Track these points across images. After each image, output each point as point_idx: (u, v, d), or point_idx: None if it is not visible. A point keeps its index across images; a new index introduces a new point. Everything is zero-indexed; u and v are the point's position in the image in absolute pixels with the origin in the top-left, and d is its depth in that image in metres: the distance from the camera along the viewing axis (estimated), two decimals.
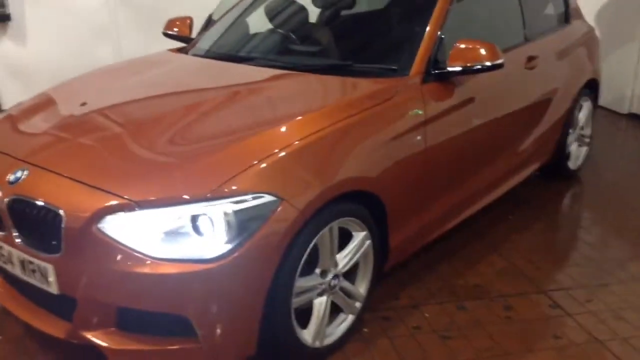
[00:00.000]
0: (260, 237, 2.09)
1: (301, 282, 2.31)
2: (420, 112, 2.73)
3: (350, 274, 2.61)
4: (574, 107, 4.24)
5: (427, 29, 2.97)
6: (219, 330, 2.12)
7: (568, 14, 4.32)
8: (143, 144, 2.34)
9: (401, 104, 2.69)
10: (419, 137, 2.72)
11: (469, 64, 2.85)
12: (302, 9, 3.66)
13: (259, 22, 3.60)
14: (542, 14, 4.05)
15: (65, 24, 6.16)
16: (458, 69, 2.86)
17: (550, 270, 3.23)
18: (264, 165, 2.16)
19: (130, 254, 2.04)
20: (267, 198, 2.11)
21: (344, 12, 3.64)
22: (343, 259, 2.50)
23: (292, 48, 3.31)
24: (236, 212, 2.06)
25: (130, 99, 2.83)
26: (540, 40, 3.83)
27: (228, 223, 2.06)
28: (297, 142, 2.27)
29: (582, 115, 4.46)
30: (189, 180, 2.11)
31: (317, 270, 2.40)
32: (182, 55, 3.45)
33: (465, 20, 3.34)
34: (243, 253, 2.07)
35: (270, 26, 3.56)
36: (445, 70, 2.88)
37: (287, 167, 2.21)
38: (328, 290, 2.45)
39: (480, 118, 3.15)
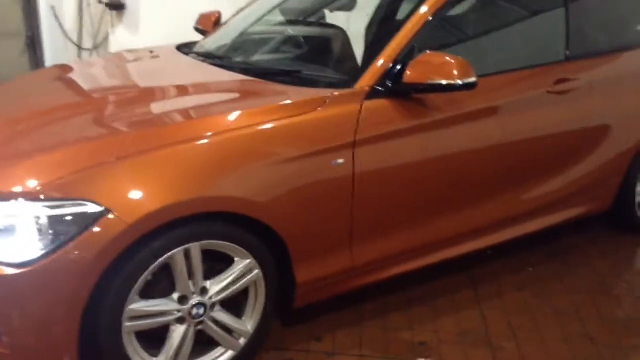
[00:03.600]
0: (75, 248, 1.90)
1: (141, 305, 2.07)
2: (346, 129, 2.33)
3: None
4: None
5: (393, 38, 2.53)
6: (26, 341, 1.96)
7: None
8: (9, 135, 2.25)
9: (321, 119, 2.32)
10: (341, 161, 2.32)
11: (428, 81, 2.38)
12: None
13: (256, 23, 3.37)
14: (611, 28, 3.30)
15: (173, 15, 6.41)
16: (415, 86, 2.41)
17: (528, 344, 2.61)
18: (94, 170, 1.96)
19: None
20: (90, 207, 1.91)
21: (317, 18, 3.27)
22: (215, 286, 2.21)
23: (255, 53, 3.04)
24: (50, 217, 1.89)
25: (54, 92, 2.77)
26: (594, 61, 3.14)
27: (40, 227, 1.89)
28: (149, 150, 2.03)
29: None
30: (9, 177, 1.98)
31: (175, 295, 2.14)
32: (170, 52, 3.31)
33: (460, 32, 2.84)
34: (53, 262, 1.89)
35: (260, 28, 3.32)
36: (395, 87, 2.43)
37: (125, 176, 1.98)
38: (189, 319, 2.17)
39: (454, 147, 2.63)
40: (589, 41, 3.15)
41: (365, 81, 2.45)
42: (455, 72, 2.37)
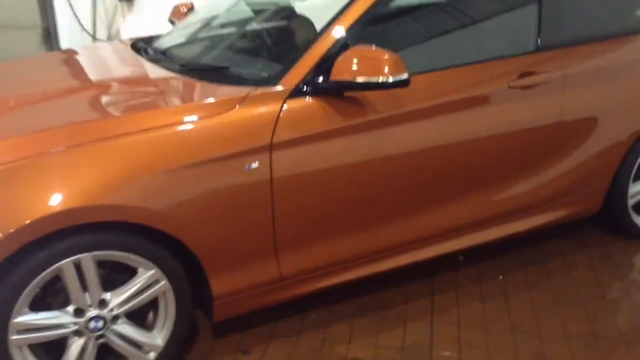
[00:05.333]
0: None
1: (29, 318, 1.98)
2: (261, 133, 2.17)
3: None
4: None
5: (324, 32, 2.35)
6: None
7: None
8: None
9: (234, 121, 2.15)
10: (255, 165, 2.16)
11: (356, 78, 2.19)
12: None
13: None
14: (594, 15, 2.98)
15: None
16: (342, 83, 2.23)
17: None
18: None
19: None
20: None
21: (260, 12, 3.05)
22: (116, 298, 2.09)
23: (196, 49, 2.88)
24: None
25: None
26: (573, 50, 2.84)
27: None
28: (33, 154, 1.92)
29: None
30: None
31: (70, 308, 2.04)
32: (123, 46, 3.18)
33: (410, 22, 2.62)
34: None
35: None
36: (322, 85, 2.25)
37: (5, 182, 1.87)
38: (87, 332, 2.07)
39: (395, 149, 2.42)
40: (567, 29, 2.85)
41: (291, 79, 2.28)
42: (386, 69, 2.17)
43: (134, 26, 6.62)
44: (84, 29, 6.91)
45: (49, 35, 6.92)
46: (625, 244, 3.29)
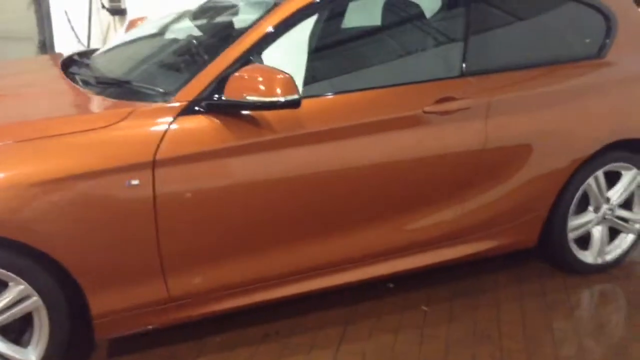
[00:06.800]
0: None
1: None
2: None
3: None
4: (584, 175, 2.98)
5: (226, 50, 2.31)
6: None
7: (604, 45, 3.03)
8: None
9: (115, 136, 2.11)
10: (135, 182, 2.11)
11: (247, 97, 2.14)
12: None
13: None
14: (527, 41, 2.88)
15: None
16: (234, 102, 2.19)
17: None
18: None
19: None
20: None
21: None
22: None
23: (111, 64, 2.85)
24: None
25: None
26: (503, 76, 2.75)
27: None
28: None
29: (620, 188, 3.14)
30: None
31: None
32: (48, 61, 3.17)
33: (323, 42, 2.57)
34: None
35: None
36: (216, 103, 2.21)
37: None
38: None
39: (290, 171, 2.35)
40: (496, 54, 2.76)
41: (184, 95, 2.24)
42: (278, 89, 2.11)
43: None
44: (80, 41, 6.99)
45: (45, 47, 7.03)
46: (564, 279, 3.15)
